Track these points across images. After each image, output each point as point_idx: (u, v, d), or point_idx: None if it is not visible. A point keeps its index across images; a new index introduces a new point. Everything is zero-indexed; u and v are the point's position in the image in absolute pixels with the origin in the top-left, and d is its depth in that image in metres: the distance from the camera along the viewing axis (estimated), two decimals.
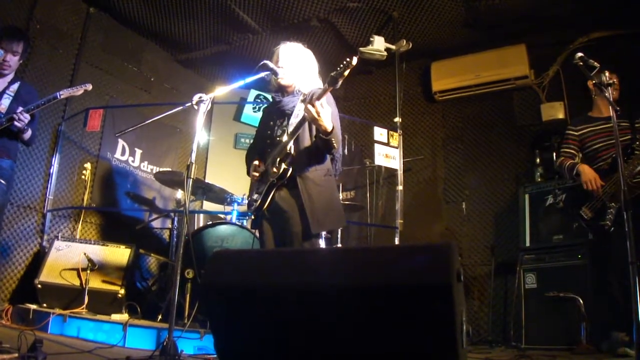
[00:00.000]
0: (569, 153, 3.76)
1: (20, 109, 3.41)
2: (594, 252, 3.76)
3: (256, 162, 3.11)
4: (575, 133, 3.76)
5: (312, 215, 2.80)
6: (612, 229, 3.37)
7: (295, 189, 2.86)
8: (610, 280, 3.35)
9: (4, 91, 3.56)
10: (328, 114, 2.70)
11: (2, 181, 3.48)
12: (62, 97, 3.55)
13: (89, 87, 3.67)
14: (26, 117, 3.41)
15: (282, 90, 3.09)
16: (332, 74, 2.57)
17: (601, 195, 3.44)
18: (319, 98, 2.63)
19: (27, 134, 3.59)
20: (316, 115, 2.64)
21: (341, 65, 2.53)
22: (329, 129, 2.72)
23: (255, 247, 3.81)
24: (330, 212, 2.91)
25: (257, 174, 3.08)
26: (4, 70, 3.57)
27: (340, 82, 2.59)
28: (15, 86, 3.61)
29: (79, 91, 3.64)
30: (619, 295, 3.26)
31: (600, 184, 3.46)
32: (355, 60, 2.50)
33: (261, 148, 3.14)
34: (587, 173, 3.52)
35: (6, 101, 3.52)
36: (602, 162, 3.58)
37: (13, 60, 3.58)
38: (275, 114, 3.11)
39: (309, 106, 2.63)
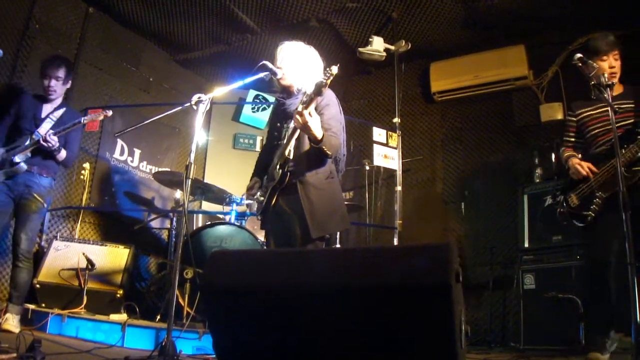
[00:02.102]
0: (569, 142, 3.61)
1: (50, 131, 3.64)
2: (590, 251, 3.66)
3: (252, 182, 3.19)
4: (574, 119, 3.58)
5: (313, 220, 2.80)
6: (595, 219, 3.25)
7: (295, 193, 2.86)
8: (608, 280, 3.31)
9: (47, 115, 3.81)
10: (317, 122, 2.69)
11: (39, 199, 3.72)
12: (85, 122, 3.77)
13: (110, 113, 3.95)
14: (53, 140, 3.62)
15: (285, 91, 3.09)
16: (316, 82, 2.58)
17: (592, 182, 3.30)
18: (307, 107, 2.62)
19: (61, 155, 3.80)
20: (303, 125, 2.64)
21: (324, 75, 2.55)
22: (319, 137, 2.71)
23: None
24: (333, 215, 2.91)
25: (250, 194, 3.18)
26: (50, 95, 3.85)
27: (324, 91, 2.61)
28: (60, 112, 3.85)
29: (99, 117, 3.89)
30: (615, 294, 3.23)
31: (589, 167, 3.31)
32: (335, 69, 2.53)
33: (270, 149, 3.15)
34: (577, 164, 3.37)
35: (47, 124, 3.75)
36: (600, 146, 3.40)
37: (57, 85, 3.86)
38: (281, 115, 3.12)
39: (297, 116, 2.63)
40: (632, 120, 3.25)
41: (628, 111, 3.27)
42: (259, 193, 3.09)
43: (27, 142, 3.63)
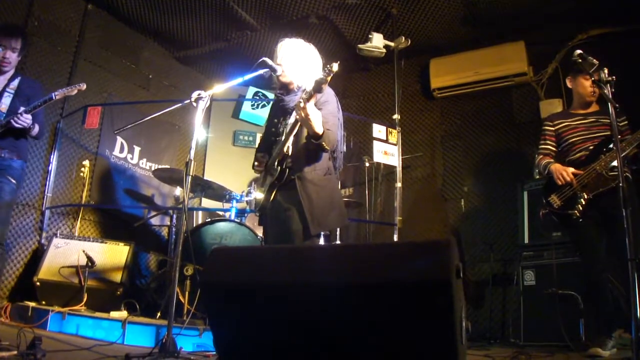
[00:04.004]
0: (546, 150, 3.75)
1: (22, 109, 3.42)
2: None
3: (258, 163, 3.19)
4: (552, 128, 3.75)
5: (311, 216, 2.81)
6: (581, 220, 3.37)
7: (294, 189, 2.87)
8: (604, 276, 3.33)
9: (4, 89, 3.56)
10: (318, 117, 2.70)
11: (13, 180, 3.47)
12: (57, 97, 3.54)
13: (83, 86, 3.67)
14: (26, 118, 3.42)
15: (284, 88, 3.09)
16: (316, 79, 2.59)
17: (574, 185, 3.42)
18: (307, 101, 2.63)
19: (35, 131, 3.60)
20: (305, 118, 2.64)
21: (324, 72, 2.55)
22: (319, 132, 2.72)
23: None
24: (331, 212, 2.92)
25: (260, 167, 3.17)
26: (4, 67, 3.60)
27: (324, 88, 2.63)
28: (16, 82, 3.62)
29: (73, 91, 3.63)
30: (612, 291, 3.26)
31: (573, 172, 3.45)
32: (336, 67, 2.53)
33: (268, 144, 3.16)
34: (557, 169, 3.51)
35: (7, 99, 3.53)
36: (578, 153, 3.56)
37: (12, 57, 3.60)
38: (279, 110, 3.12)
39: (299, 110, 2.64)
40: (607, 133, 3.43)
41: (605, 125, 3.47)
42: (263, 190, 3.10)
43: None
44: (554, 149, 3.74)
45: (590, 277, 3.34)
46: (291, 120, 2.90)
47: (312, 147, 2.83)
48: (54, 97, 3.52)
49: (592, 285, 3.34)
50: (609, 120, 3.34)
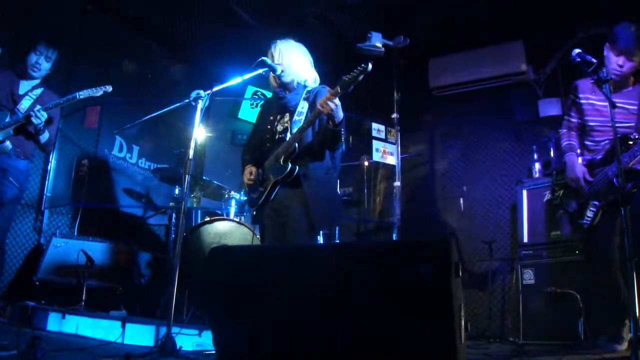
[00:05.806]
0: (569, 122, 3.50)
1: (38, 106, 3.43)
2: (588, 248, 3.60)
3: (250, 170, 3.14)
4: (575, 99, 3.47)
5: (316, 213, 2.82)
6: (595, 223, 3.24)
7: (298, 187, 2.88)
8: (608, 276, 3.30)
9: (26, 93, 3.59)
10: (339, 106, 2.75)
11: (15, 183, 3.46)
12: (81, 97, 3.57)
13: (109, 89, 3.68)
14: (42, 115, 3.42)
15: (284, 86, 3.09)
16: (345, 78, 2.60)
17: (587, 191, 3.28)
18: (333, 98, 2.66)
19: (44, 136, 3.58)
20: (334, 108, 2.66)
21: (355, 70, 2.54)
22: (341, 117, 2.76)
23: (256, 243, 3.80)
24: (331, 210, 2.95)
25: (251, 182, 3.12)
26: (33, 72, 3.64)
27: (352, 87, 2.62)
28: (39, 91, 3.65)
29: (97, 92, 3.64)
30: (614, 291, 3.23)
31: (585, 177, 3.28)
32: (370, 66, 2.51)
33: (259, 143, 3.15)
34: (571, 169, 3.34)
35: (27, 102, 3.54)
36: (594, 143, 3.37)
37: (44, 65, 3.65)
38: (276, 109, 3.12)
39: (329, 102, 2.65)
40: (631, 124, 3.16)
41: (631, 113, 3.17)
42: (260, 189, 3.09)
43: (8, 119, 3.39)
44: (575, 120, 3.48)
45: (602, 273, 3.26)
46: (299, 118, 2.93)
47: (329, 137, 2.84)
48: (77, 97, 3.54)
49: (600, 283, 3.29)
50: (635, 107, 3.14)
